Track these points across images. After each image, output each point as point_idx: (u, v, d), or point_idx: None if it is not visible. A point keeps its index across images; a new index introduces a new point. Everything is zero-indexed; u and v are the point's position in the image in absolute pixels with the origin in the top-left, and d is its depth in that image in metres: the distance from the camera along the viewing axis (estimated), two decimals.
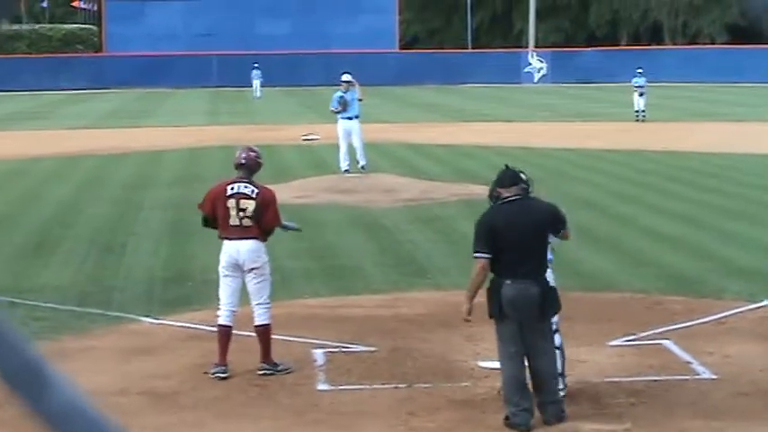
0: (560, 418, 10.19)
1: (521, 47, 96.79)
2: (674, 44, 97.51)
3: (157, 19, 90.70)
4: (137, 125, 49.71)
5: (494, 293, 10.18)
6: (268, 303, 12.10)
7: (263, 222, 12.02)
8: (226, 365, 11.89)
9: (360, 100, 29.25)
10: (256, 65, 73.25)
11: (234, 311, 12.08)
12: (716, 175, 29.01)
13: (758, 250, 18.53)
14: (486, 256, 10.21)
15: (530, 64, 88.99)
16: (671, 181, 28.01)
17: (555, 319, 10.70)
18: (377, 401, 10.97)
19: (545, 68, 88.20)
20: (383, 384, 11.46)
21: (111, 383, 11.58)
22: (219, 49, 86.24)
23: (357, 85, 29.36)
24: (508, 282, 10.10)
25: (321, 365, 12.21)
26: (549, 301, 10.21)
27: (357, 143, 29.20)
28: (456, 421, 10.36)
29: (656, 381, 11.49)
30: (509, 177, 10.49)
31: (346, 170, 28.94)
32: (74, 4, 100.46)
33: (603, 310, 14.34)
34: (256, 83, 72.00)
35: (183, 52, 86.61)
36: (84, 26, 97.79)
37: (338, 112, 29.27)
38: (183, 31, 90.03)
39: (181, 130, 46.18)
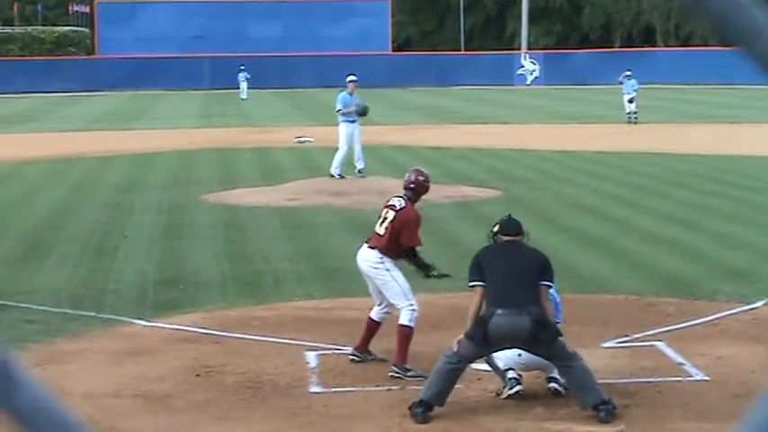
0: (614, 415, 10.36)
1: (513, 49, 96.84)
2: (667, 46, 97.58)
3: (149, 21, 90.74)
4: (129, 128, 49.65)
5: (482, 322, 10.48)
6: (408, 306, 11.98)
7: (402, 241, 12.16)
8: (359, 348, 12.33)
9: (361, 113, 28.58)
10: (243, 66, 73.00)
11: (377, 307, 12.35)
12: (710, 177, 29.01)
13: (751, 252, 18.54)
14: (480, 283, 10.64)
15: (522, 66, 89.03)
16: (665, 183, 28.00)
17: (559, 320, 11.04)
18: (370, 404, 10.97)
19: (538, 70, 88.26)
20: (376, 387, 11.46)
21: (105, 386, 11.58)
22: (211, 51, 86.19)
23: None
24: (499, 312, 10.41)
25: (314, 368, 12.20)
26: (540, 328, 10.35)
27: (357, 146, 28.51)
28: (448, 423, 10.38)
29: (648, 382, 11.51)
30: (514, 227, 11.02)
31: (340, 175, 28.15)
32: (70, 8, 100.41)
33: (597, 312, 14.35)
34: (243, 84, 71.92)
35: (175, 54, 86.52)
36: (76, 29, 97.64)
37: (343, 114, 28.26)
38: (174, 33, 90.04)
39: (173, 133, 46.13)
